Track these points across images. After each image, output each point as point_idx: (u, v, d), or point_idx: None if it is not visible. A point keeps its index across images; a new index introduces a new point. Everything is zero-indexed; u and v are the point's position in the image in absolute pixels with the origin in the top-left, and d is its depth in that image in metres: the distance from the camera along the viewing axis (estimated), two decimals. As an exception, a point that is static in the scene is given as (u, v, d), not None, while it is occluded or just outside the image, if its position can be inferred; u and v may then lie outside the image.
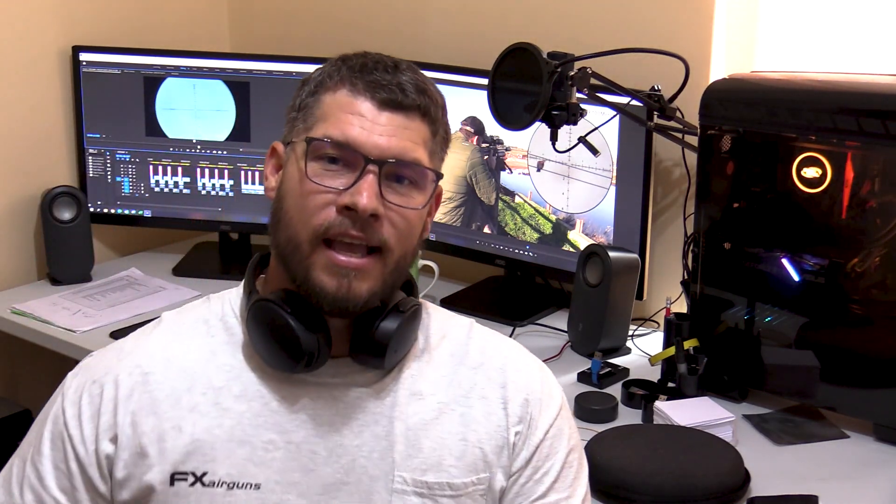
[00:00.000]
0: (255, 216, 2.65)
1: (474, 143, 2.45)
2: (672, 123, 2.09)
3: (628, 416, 1.93)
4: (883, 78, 1.88)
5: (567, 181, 2.32)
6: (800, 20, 2.16)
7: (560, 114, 1.95)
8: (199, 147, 2.64)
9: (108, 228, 2.73)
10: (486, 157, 2.45)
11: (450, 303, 2.43)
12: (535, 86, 1.92)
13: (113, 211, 2.68)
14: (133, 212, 2.68)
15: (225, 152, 2.64)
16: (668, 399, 1.89)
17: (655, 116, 2.08)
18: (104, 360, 1.26)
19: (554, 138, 2.02)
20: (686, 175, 2.21)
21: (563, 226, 2.35)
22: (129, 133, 2.63)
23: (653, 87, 2.06)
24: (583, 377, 2.08)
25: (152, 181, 2.66)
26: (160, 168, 2.65)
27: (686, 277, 2.08)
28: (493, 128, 2.39)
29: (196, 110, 2.62)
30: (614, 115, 2.13)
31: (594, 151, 2.08)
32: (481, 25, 2.53)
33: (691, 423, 1.79)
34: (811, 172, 1.83)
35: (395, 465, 1.21)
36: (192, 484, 1.19)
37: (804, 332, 1.89)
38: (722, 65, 2.21)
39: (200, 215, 2.69)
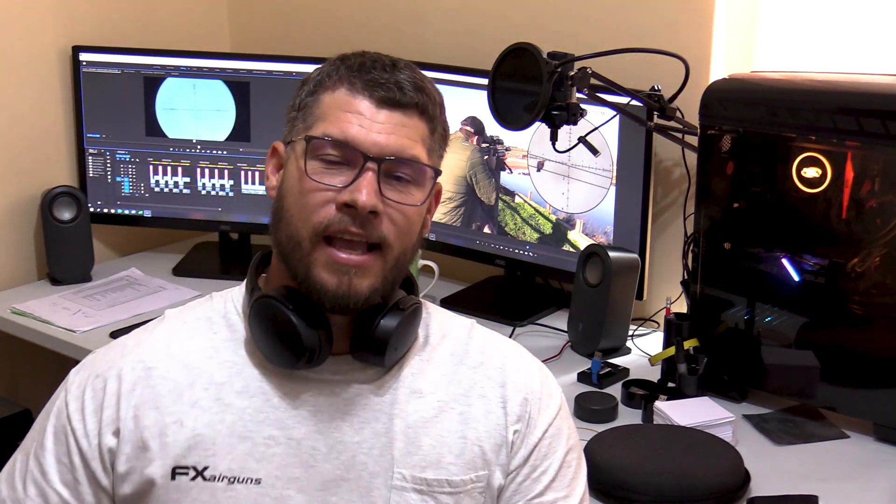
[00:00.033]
0: (255, 216, 2.65)
1: (474, 143, 2.45)
2: (672, 123, 2.09)
3: (628, 416, 1.93)
4: (883, 78, 1.88)
5: (567, 181, 2.32)
6: (800, 20, 2.16)
7: (560, 114, 1.95)
8: (199, 147, 2.64)
9: (108, 228, 2.73)
10: (486, 157, 2.45)
11: (450, 303, 2.43)
12: (535, 86, 1.92)
13: (113, 211, 2.68)
14: (133, 212, 2.68)
15: (225, 152, 2.64)
16: (668, 399, 1.89)
17: (655, 116, 2.08)
18: (107, 356, 1.27)
19: (554, 138, 2.02)
20: (686, 175, 2.21)
21: (563, 226, 2.36)
22: (129, 133, 2.63)
23: (653, 87, 2.06)
24: (583, 377, 2.08)
25: (152, 181, 2.66)
26: (160, 168, 2.65)
27: (686, 277, 2.08)
28: (493, 128, 2.39)
29: (196, 110, 2.62)
30: (614, 115, 2.13)
31: (594, 151, 2.08)
32: (481, 25, 2.53)
33: (691, 423, 1.79)
34: (811, 172, 1.83)
35: (395, 462, 1.22)
36: (193, 478, 1.20)
37: (804, 332, 1.89)
38: (722, 65, 2.21)
39: (200, 215, 2.69)
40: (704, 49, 2.20)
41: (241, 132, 2.62)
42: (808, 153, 1.83)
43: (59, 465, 1.22)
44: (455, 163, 2.48)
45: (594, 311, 2.17)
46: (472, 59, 2.36)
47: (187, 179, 2.65)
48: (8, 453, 1.30)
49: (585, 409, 1.92)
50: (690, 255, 2.03)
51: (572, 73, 1.94)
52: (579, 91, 1.96)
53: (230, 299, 1.30)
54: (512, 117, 1.99)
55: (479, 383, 1.28)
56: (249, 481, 1.20)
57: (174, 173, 2.65)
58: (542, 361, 1.36)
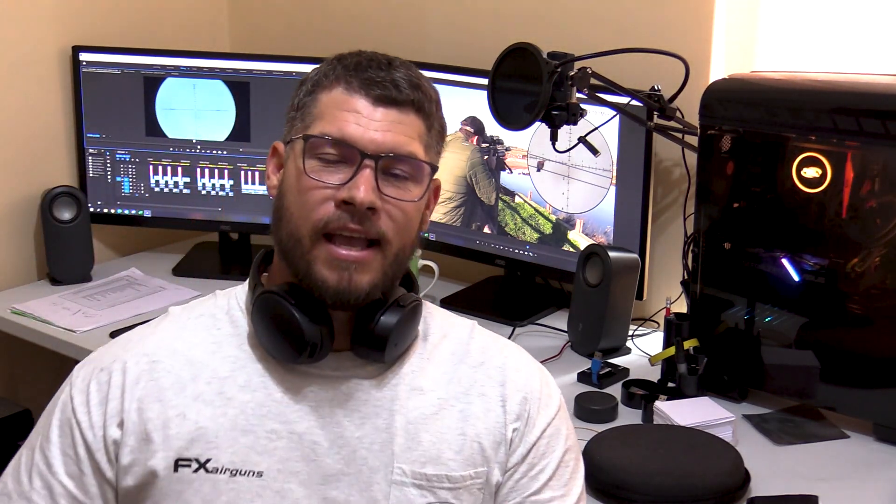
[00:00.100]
0: (255, 216, 2.65)
1: (474, 143, 2.45)
2: (672, 123, 2.09)
3: (628, 416, 1.93)
4: (883, 78, 1.88)
5: (567, 181, 2.32)
6: (800, 20, 2.16)
7: (560, 114, 1.95)
8: (199, 147, 2.64)
9: (108, 228, 2.73)
10: (486, 157, 2.45)
11: (450, 303, 2.43)
12: (535, 86, 1.92)
13: (113, 211, 2.68)
14: (133, 212, 2.68)
15: (225, 152, 2.64)
16: (668, 399, 1.89)
17: (655, 116, 2.08)
18: (111, 350, 1.29)
19: (554, 138, 2.02)
20: (686, 175, 2.21)
21: (563, 226, 2.36)
22: (129, 133, 2.63)
23: (653, 87, 2.06)
24: (583, 377, 2.08)
25: (152, 181, 2.66)
26: (160, 168, 2.65)
27: (686, 277, 2.08)
28: (493, 128, 2.39)
29: (196, 110, 2.62)
30: (614, 115, 2.13)
31: (594, 151, 2.08)
32: (481, 25, 2.53)
33: (691, 423, 1.79)
34: (811, 172, 1.83)
35: (395, 457, 1.23)
36: (196, 470, 1.21)
37: (804, 332, 1.89)
38: (722, 65, 2.21)
39: (200, 215, 2.69)
40: (704, 49, 2.20)
41: (241, 132, 2.62)
42: (808, 153, 1.83)
43: (64, 458, 1.23)
44: (455, 163, 2.48)
45: (594, 311, 2.17)
46: (472, 59, 2.36)
47: (187, 179, 2.65)
48: (8, 453, 1.30)
49: (585, 409, 1.92)
50: (690, 255, 2.03)
51: (572, 73, 1.94)
52: (579, 91, 1.96)
53: (233, 296, 1.32)
54: (512, 117, 1.99)
55: (479, 382, 1.29)
56: (251, 474, 1.21)
57: (174, 173, 2.65)
58: (543, 361, 1.36)
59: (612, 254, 2.15)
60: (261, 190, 2.64)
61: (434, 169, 1.26)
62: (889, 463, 1.78)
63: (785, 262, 1.88)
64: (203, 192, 2.66)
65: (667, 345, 2.09)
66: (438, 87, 1.28)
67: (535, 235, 2.40)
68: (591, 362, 2.08)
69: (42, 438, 1.25)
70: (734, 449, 1.73)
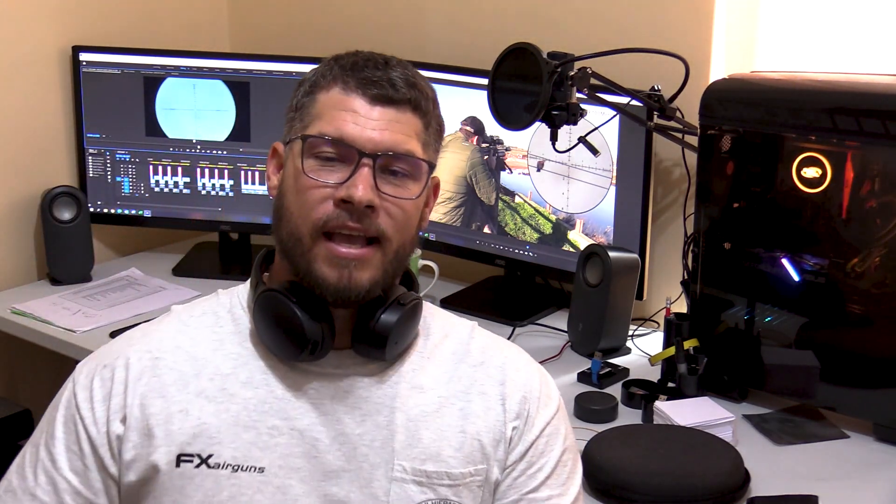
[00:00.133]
0: (255, 216, 2.65)
1: (474, 143, 2.45)
2: (672, 123, 2.09)
3: (628, 416, 1.93)
4: (883, 78, 1.88)
5: (567, 181, 2.32)
6: (800, 20, 2.16)
7: (560, 114, 1.95)
8: (199, 147, 2.64)
9: (108, 228, 2.73)
10: (486, 157, 2.45)
11: (450, 303, 2.43)
12: (535, 86, 1.92)
13: (113, 211, 2.68)
14: (133, 212, 2.68)
15: (225, 152, 2.64)
16: (668, 399, 1.89)
17: (655, 116, 2.08)
18: (114, 347, 1.31)
19: (554, 138, 2.02)
20: (686, 175, 2.21)
21: (563, 226, 2.36)
22: (129, 133, 2.63)
23: (653, 87, 2.06)
24: (583, 377, 2.08)
25: (152, 181, 2.66)
26: (160, 168, 2.65)
27: (686, 277, 2.08)
28: (493, 128, 2.39)
29: (196, 110, 2.62)
30: (614, 115, 2.13)
31: (594, 151, 2.08)
32: (481, 25, 2.53)
33: (691, 423, 1.79)
34: (811, 172, 1.83)
35: (396, 454, 1.24)
36: (198, 465, 1.22)
37: (804, 332, 1.89)
38: (722, 65, 2.21)
39: (200, 215, 2.69)
40: (704, 49, 2.20)
41: (240, 132, 2.62)
42: (808, 153, 1.83)
43: (68, 454, 1.24)
44: (455, 163, 2.48)
45: (594, 311, 2.17)
46: (472, 59, 2.36)
47: (187, 179, 2.65)
48: (8, 453, 1.30)
49: (585, 409, 1.92)
50: (690, 255, 2.03)
51: (572, 73, 1.94)
52: (579, 91, 1.96)
53: (235, 295, 1.33)
54: (512, 117, 1.99)
55: (479, 381, 1.30)
56: (253, 469, 1.22)
57: (174, 173, 2.65)
58: (542, 361, 1.37)
59: (612, 254, 2.15)
60: (261, 190, 2.64)
61: (432, 166, 1.27)
62: (889, 463, 1.78)
63: (785, 262, 1.88)
64: (203, 192, 2.66)
65: (667, 345, 2.09)
66: (438, 87, 1.29)
67: (535, 235, 2.40)
68: (591, 362, 2.07)
69: (46, 435, 1.26)
70: (734, 449, 1.73)
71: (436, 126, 1.28)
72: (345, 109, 1.22)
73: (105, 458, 1.23)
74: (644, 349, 2.22)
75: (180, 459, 1.22)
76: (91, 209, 2.61)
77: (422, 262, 2.47)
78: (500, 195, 2.44)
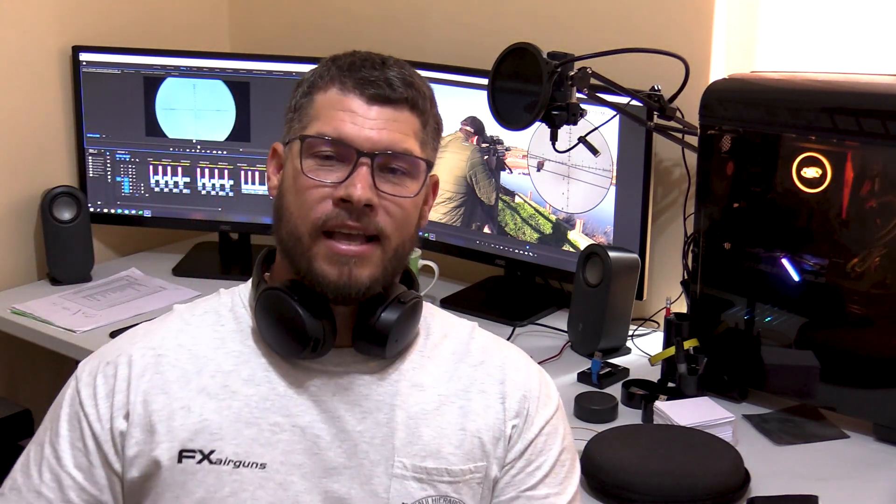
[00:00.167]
0: (255, 216, 2.65)
1: (474, 143, 2.45)
2: (672, 123, 2.09)
3: (628, 416, 1.93)
4: (883, 78, 1.88)
5: (567, 181, 2.32)
6: (800, 20, 2.16)
7: (560, 114, 1.95)
8: (199, 147, 2.64)
9: (108, 228, 2.73)
10: (486, 157, 2.45)
11: (450, 303, 2.43)
12: (535, 86, 1.92)
13: (113, 211, 2.68)
14: (133, 212, 2.68)
15: (225, 152, 2.64)
16: (668, 399, 1.89)
17: (655, 116, 2.08)
18: (116, 344, 1.32)
19: (554, 138, 2.02)
20: (686, 175, 2.21)
21: (563, 226, 2.36)
22: (129, 133, 2.63)
23: (653, 87, 2.06)
24: (583, 377, 2.08)
25: (152, 181, 2.66)
26: (160, 168, 2.65)
27: (686, 277, 2.08)
28: (493, 128, 2.39)
29: (196, 110, 2.62)
30: (614, 115, 2.13)
31: (594, 151, 2.08)
32: (481, 25, 2.53)
33: (691, 423, 1.79)
34: (811, 172, 1.83)
35: (396, 451, 1.25)
36: (200, 461, 1.23)
37: (804, 332, 1.89)
38: (722, 65, 2.21)
39: (200, 215, 2.69)
40: (704, 49, 2.20)
41: (240, 132, 2.62)
42: (808, 153, 1.83)
43: (73, 450, 1.25)
44: (455, 163, 2.48)
45: (594, 311, 2.17)
46: (472, 59, 2.36)
47: (187, 179, 2.65)
48: (8, 453, 1.30)
49: (585, 409, 1.92)
50: (690, 255, 2.03)
51: (572, 73, 1.94)
52: (579, 91, 1.96)
53: (237, 294, 1.34)
54: (512, 117, 1.99)
55: (479, 380, 1.31)
56: (255, 465, 1.23)
57: (174, 173, 2.65)
58: (542, 361, 1.37)
59: (612, 254, 2.15)
60: (261, 190, 2.64)
61: (430, 165, 1.28)
62: (889, 463, 1.78)
63: (785, 262, 1.88)
64: (203, 192, 2.66)
65: (667, 345, 2.09)
66: (438, 86, 1.30)
67: (535, 235, 2.40)
68: (591, 362, 2.07)
69: (51, 433, 1.27)
70: (734, 449, 1.73)
71: (433, 125, 1.29)
72: (342, 109, 1.23)
73: (109, 455, 1.24)
74: (644, 349, 2.22)
75: (182, 455, 1.23)
76: (91, 209, 2.61)
77: (422, 262, 2.47)
78: (500, 195, 2.44)
